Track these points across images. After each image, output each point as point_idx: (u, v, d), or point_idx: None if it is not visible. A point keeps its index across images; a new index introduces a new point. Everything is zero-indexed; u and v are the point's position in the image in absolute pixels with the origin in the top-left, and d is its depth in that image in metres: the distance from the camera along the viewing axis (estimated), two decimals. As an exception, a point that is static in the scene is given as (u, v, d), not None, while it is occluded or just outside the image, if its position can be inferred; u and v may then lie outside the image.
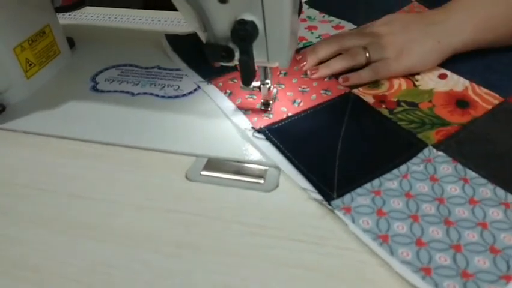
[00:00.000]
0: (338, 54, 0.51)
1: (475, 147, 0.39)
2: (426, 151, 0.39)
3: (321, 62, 0.51)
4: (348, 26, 0.61)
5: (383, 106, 0.45)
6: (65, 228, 0.35)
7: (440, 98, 0.45)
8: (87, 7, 0.74)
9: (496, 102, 0.44)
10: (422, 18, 0.50)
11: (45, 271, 0.32)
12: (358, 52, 0.49)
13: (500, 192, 0.35)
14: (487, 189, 0.35)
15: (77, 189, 0.39)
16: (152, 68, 0.55)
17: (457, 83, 0.47)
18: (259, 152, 0.40)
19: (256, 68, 0.39)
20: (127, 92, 0.50)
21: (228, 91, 0.48)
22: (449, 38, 0.47)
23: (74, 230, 0.35)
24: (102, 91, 0.51)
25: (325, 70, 0.49)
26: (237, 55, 0.37)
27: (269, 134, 0.41)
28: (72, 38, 0.61)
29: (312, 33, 0.59)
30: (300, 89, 0.48)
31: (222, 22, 0.36)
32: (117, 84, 0.52)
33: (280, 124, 0.43)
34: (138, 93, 0.50)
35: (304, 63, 0.51)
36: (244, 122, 0.43)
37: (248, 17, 0.35)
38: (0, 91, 0.48)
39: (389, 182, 0.36)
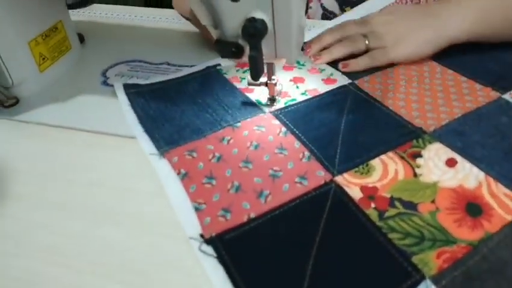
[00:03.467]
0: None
1: (490, 285, 0.29)
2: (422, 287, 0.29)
3: (324, 50, 0.53)
4: (343, 79, 0.50)
5: (372, 206, 0.35)
6: (79, 213, 0.37)
7: (446, 197, 0.35)
8: (95, 4, 0.76)
9: None
10: (422, 8, 0.52)
11: (66, 253, 0.34)
12: (358, 39, 0.51)
13: None
14: None
15: (89, 178, 0.40)
16: (161, 64, 0.57)
17: (468, 175, 0.37)
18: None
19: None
20: (137, 87, 0.52)
21: (183, 171, 0.39)
22: (445, 28, 0.49)
23: (88, 215, 0.37)
24: (112, 85, 0.52)
25: (327, 56, 0.52)
26: (246, 51, 0.39)
27: (221, 250, 0.32)
28: (82, 34, 0.62)
29: (298, 87, 0.49)
30: (271, 171, 0.38)
31: (232, 20, 0.38)
32: (127, 79, 0.53)
33: (238, 231, 0.33)
34: (148, 88, 0.52)
35: (309, 50, 0.53)
36: (192, 223, 0.34)
37: (258, 15, 0.37)
38: (14, 84, 0.49)
39: None
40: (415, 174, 0.37)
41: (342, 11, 0.70)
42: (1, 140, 0.46)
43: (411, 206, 0.34)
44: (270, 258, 0.31)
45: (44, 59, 0.53)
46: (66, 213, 0.37)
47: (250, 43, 0.38)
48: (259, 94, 0.48)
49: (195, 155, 0.40)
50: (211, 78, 0.52)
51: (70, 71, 0.56)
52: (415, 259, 0.31)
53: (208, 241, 0.32)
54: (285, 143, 0.41)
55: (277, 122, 0.44)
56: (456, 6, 0.50)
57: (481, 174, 0.37)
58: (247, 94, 0.48)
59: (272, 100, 0.47)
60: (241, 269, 0.30)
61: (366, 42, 0.51)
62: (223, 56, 0.40)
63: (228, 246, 0.32)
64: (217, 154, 0.40)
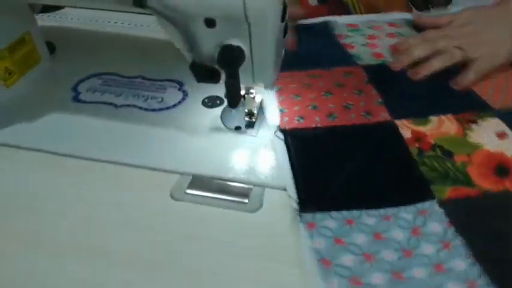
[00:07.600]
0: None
1: (484, 221, 0.34)
2: (427, 204, 0.35)
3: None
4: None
5: (416, 145, 0.41)
6: (44, 246, 0.35)
7: (482, 157, 0.40)
8: (67, 8, 0.73)
9: None
10: (503, 12, 0.55)
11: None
12: (454, 52, 0.52)
13: (474, 271, 0.30)
14: (462, 263, 0.31)
15: (56, 206, 0.38)
16: (135, 77, 0.54)
17: None
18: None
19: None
20: (110, 104, 0.49)
21: None
22: None
23: (54, 247, 0.34)
24: (84, 101, 0.50)
25: (426, 70, 0.53)
26: (223, 76, 0.38)
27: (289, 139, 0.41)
28: (52, 42, 0.59)
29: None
30: (344, 104, 0.47)
31: (208, 45, 0.36)
32: (99, 95, 0.51)
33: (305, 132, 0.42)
34: (121, 105, 0.49)
35: (396, 65, 0.55)
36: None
37: (235, 42, 0.35)
38: (-22, 101, 0.47)
39: (369, 218, 0.34)
40: (464, 134, 0.42)
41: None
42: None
43: (448, 153, 0.40)
44: (322, 160, 0.40)
45: (10, 73, 0.50)
46: (29, 245, 0.34)
47: (227, 71, 0.36)
48: None
49: None
50: None
51: (39, 86, 0.53)
52: (433, 187, 0.36)
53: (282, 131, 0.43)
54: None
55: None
56: None
57: None
58: None
59: (251, 115, 0.44)
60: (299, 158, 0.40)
61: (463, 54, 0.52)
62: (199, 81, 0.39)
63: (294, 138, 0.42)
64: None
